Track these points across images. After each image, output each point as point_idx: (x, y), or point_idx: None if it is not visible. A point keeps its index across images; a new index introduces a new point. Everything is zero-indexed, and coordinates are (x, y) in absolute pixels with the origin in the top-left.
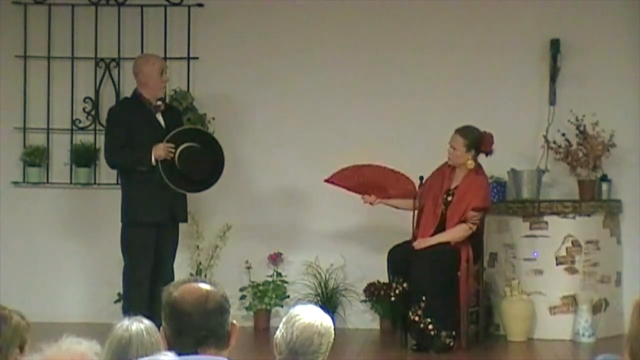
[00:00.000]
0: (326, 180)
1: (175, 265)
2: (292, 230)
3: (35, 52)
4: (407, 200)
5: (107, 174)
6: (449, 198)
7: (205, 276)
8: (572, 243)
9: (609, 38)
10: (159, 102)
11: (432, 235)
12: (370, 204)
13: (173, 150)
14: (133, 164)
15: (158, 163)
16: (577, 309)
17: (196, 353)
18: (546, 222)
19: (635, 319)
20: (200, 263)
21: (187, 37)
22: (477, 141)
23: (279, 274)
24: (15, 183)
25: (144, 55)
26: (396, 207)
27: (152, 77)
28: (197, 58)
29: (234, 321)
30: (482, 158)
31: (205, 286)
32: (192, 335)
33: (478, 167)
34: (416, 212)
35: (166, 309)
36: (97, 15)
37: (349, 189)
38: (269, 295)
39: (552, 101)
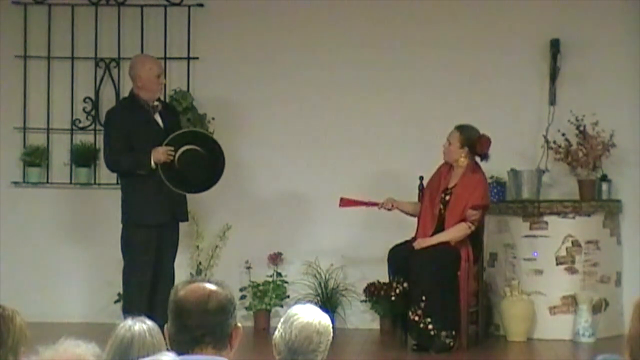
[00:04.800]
0: (341, 205)
1: (175, 265)
2: (292, 230)
3: (35, 52)
4: (417, 205)
5: (107, 174)
6: (447, 197)
7: (205, 276)
8: (572, 243)
9: (609, 38)
10: (157, 103)
11: (432, 235)
12: (388, 209)
13: (172, 153)
14: (133, 168)
15: (158, 166)
16: (577, 309)
17: (193, 352)
18: (546, 222)
19: (635, 319)
20: (200, 263)
21: (187, 37)
22: (473, 140)
23: (279, 274)
24: (15, 183)
25: (140, 59)
26: (408, 214)
27: (150, 81)
28: (197, 58)
29: (238, 324)
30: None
31: (210, 286)
32: (189, 333)
33: (475, 165)
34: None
35: (170, 307)
36: (97, 15)
37: (363, 203)
38: (269, 295)
39: (552, 101)
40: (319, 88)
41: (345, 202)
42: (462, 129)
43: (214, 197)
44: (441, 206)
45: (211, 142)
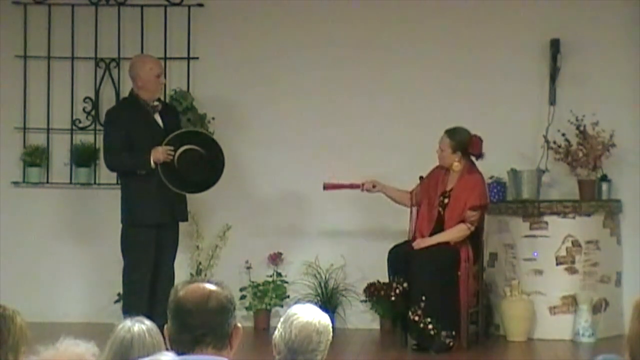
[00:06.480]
0: (326, 188)
1: (175, 265)
2: (292, 230)
3: (35, 52)
4: (404, 193)
5: (107, 174)
6: (445, 200)
7: (205, 276)
8: (572, 243)
9: (609, 38)
10: (156, 103)
11: (429, 235)
12: (368, 190)
13: (172, 153)
14: (132, 167)
15: (157, 166)
16: (577, 309)
17: (193, 351)
18: (546, 222)
19: (635, 319)
20: (200, 263)
21: (187, 37)
22: (464, 143)
23: (279, 274)
24: (15, 183)
25: (140, 58)
26: (393, 200)
27: (150, 81)
28: (197, 58)
29: (238, 324)
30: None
31: (210, 286)
32: (190, 333)
33: (471, 166)
34: (414, 211)
35: (170, 307)
36: (97, 15)
37: (348, 186)
38: (269, 295)
39: (552, 101)
40: (319, 88)
41: (328, 186)
42: (451, 133)
43: (214, 197)
44: (440, 209)
45: (211, 142)
